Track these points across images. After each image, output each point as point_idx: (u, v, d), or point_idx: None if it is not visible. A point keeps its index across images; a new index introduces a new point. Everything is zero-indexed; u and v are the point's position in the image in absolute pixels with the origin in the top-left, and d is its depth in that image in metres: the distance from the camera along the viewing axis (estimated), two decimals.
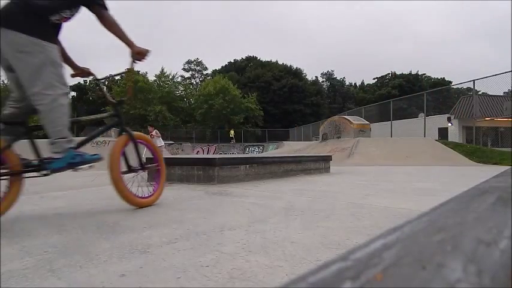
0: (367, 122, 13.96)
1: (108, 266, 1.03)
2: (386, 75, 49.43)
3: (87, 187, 3.47)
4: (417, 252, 0.29)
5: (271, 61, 47.47)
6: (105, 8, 1.99)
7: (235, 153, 26.04)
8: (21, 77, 1.69)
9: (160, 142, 10.42)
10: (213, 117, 34.07)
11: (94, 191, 3.04)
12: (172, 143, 25.70)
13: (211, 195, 2.66)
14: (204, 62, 49.19)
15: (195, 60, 48.46)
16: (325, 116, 34.07)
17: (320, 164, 5.32)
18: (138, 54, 2.11)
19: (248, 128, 35.30)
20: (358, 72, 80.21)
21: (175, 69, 75.49)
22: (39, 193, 2.96)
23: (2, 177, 1.68)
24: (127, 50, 2.13)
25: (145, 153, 2.47)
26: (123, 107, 1.98)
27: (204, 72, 48.86)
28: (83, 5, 1.95)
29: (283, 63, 46.36)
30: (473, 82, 12.47)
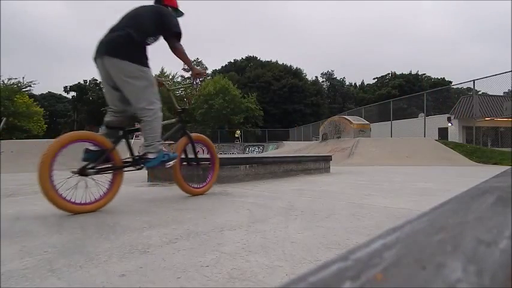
0: (367, 122, 13.96)
1: (108, 266, 1.03)
2: (386, 75, 49.43)
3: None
4: (417, 252, 0.29)
5: (271, 61, 47.49)
6: (179, 40, 2.44)
7: (235, 153, 26.03)
8: (129, 96, 2.14)
9: None
10: (213, 117, 34.06)
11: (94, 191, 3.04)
12: (172, 143, 25.66)
13: (211, 195, 2.67)
14: (204, 62, 49.25)
15: (195, 60, 48.45)
16: (325, 116, 34.08)
17: (320, 164, 5.32)
18: (198, 75, 2.74)
19: (248, 128, 35.30)
20: (358, 72, 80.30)
21: (176, 69, 75.50)
22: (39, 193, 2.96)
23: (109, 171, 2.18)
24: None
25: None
26: (185, 115, 2.79)
27: None
28: (163, 35, 2.38)
29: (283, 63, 46.38)
30: (473, 82, 12.47)
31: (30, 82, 25.85)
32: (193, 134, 2.81)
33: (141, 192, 2.91)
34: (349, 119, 13.94)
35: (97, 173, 2.11)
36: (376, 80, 51.05)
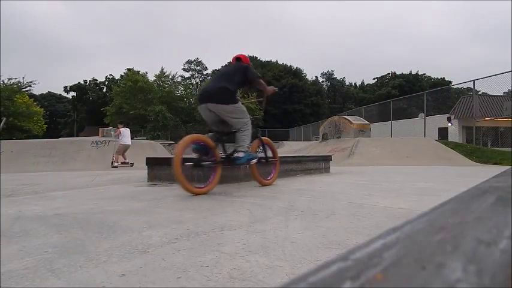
0: (367, 122, 13.96)
1: (108, 266, 1.03)
2: (386, 75, 49.42)
3: (87, 187, 3.47)
4: (417, 252, 0.29)
5: (271, 61, 47.47)
6: (260, 79, 3.40)
7: None
8: (231, 123, 3.14)
9: (124, 141, 9.44)
10: None
11: (94, 191, 3.04)
12: (172, 143, 25.68)
13: (211, 195, 2.67)
14: (204, 62, 49.23)
15: (195, 60, 48.47)
16: (325, 116, 34.07)
17: (320, 164, 5.32)
18: (271, 94, 3.55)
19: None
20: (358, 72, 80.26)
21: (175, 69, 75.56)
22: (39, 193, 2.96)
23: (212, 165, 2.98)
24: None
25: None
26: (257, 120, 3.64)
27: (204, 72, 48.86)
28: (248, 82, 3.34)
29: (283, 63, 46.36)
30: (473, 82, 12.47)
31: (30, 82, 25.85)
32: (263, 138, 3.62)
33: (141, 192, 2.91)
34: (349, 119, 13.93)
35: (206, 165, 2.94)
36: (376, 80, 51.04)
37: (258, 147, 3.52)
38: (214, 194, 2.75)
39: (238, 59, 3.63)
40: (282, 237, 1.36)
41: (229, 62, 3.63)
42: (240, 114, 3.13)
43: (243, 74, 3.29)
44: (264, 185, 3.40)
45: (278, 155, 3.88)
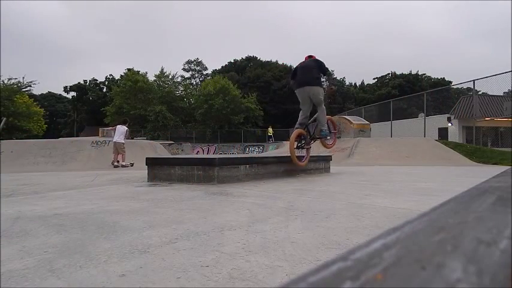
0: (367, 122, 13.96)
1: (108, 266, 1.03)
2: (386, 75, 49.39)
3: (87, 187, 3.47)
4: (417, 252, 0.29)
5: (271, 61, 47.44)
6: (325, 75, 4.82)
7: (235, 153, 26.03)
8: (316, 100, 4.59)
9: (114, 138, 8.98)
10: (213, 117, 34.03)
11: (94, 191, 3.04)
12: (172, 143, 25.70)
13: (211, 195, 2.67)
14: (204, 62, 49.20)
15: (195, 60, 48.44)
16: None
17: (320, 164, 5.32)
18: (332, 95, 5.89)
19: (248, 128, 35.27)
20: (358, 72, 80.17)
21: (175, 69, 75.55)
22: (39, 193, 2.96)
23: (307, 146, 4.76)
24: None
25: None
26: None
27: (204, 72, 48.86)
28: (323, 74, 4.71)
29: (283, 63, 46.34)
30: (473, 82, 12.46)
31: (30, 82, 25.87)
32: (328, 116, 4.93)
33: (141, 192, 2.91)
34: (349, 119, 13.93)
35: (303, 147, 4.75)
36: (376, 80, 51.01)
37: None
38: (214, 194, 2.75)
39: (310, 56, 4.80)
40: (282, 237, 1.36)
41: (302, 61, 4.86)
42: (322, 95, 4.62)
43: (320, 66, 4.61)
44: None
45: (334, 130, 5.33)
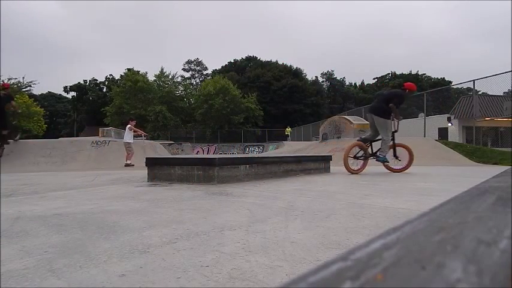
0: (367, 122, 13.94)
1: (108, 266, 1.03)
2: (386, 75, 49.45)
3: (87, 187, 3.47)
4: (417, 252, 0.29)
5: (271, 61, 47.43)
6: (397, 107, 5.19)
7: (235, 153, 26.04)
8: (380, 131, 5.19)
9: (124, 138, 8.93)
10: (213, 117, 34.04)
11: (94, 191, 3.04)
12: (172, 143, 25.70)
13: (211, 195, 2.67)
14: (204, 62, 49.22)
15: (195, 60, 48.48)
16: (325, 116, 34.03)
17: (320, 164, 5.32)
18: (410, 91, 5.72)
19: (248, 128, 35.27)
20: (358, 72, 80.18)
21: (175, 69, 75.52)
22: (39, 193, 2.96)
23: (364, 158, 5.28)
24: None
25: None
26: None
27: (204, 72, 48.88)
28: (394, 104, 5.17)
29: (283, 63, 46.33)
30: (473, 82, 12.45)
31: (30, 82, 25.84)
32: (397, 143, 5.45)
33: (141, 192, 2.91)
34: (349, 119, 13.91)
35: (362, 159, 5.26)
36: (376, 80, 51.05)
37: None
38: (214, 194, 2.75)
39: (406, 85, 5.65)
40: (282, 237, 1.36)
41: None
42: (385, 125, 5.08)
43: (390, 99, 5.14)
44: (392, 171, 5.34)
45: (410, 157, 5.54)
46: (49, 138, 12.66)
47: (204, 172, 3.54)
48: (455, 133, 17.32)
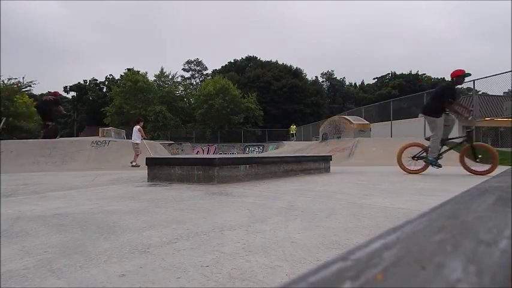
0: (367, 122, 13.94)
1: (108, 266, 1.03)
2: (386, 75, 49.42)
3: (87, 187, 3.47)
4: (417, 252, 0.29)
5: (271, 61, 47.42)
6: (450, 104, 4.76)
7: (235, 153, 26.04)
8: (430, 129, 5.03)
9: (133, 139, 9.02)
10: (213, 117, 34.04)
11: (94, 191, 3.04)
12: (172, 143, 25.70)
13: (211, 195, 2.67)
14: (204, 62, 49.22)
15: (195, 60, 48.47)
16: (325, 116, 34.02)
17: (320, 164, 5.32)
18: (460, 113, 5.08)
19: (248, 128, 35.28)
20: (358, 72, 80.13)
21: (175, 69, 75.53)
22: (39, 193, 2.96)
23: (424, 160, 5.12)
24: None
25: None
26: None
27: (204, 72, 48.88)
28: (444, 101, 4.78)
29: (283, 63, 46.31)
30: (473, 82, 12.46)
31: (30, 82, 25.81)
32: (476, 143, 4.99)
33: (141, 192, 2.91)
34: (349, 119, 13.91)
35: (419, 158, 5.09)
36: (376, 80, 51.04)
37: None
38: (214, 194, 2.75)
39: (455, 74, 4.92)
40: (282, 237, 1.36)
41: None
42: (433, 123, 4.86)
43: (440, 94, 4.83)
44: (474, 173, 4.93)
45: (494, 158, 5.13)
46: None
47: (204, 172, 3.54)
48: (455, 133, 17.31)
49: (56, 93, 10.71)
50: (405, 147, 5.26)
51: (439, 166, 5.04)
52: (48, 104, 9.74)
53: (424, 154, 5.13)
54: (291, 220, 1.69)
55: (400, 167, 5.12)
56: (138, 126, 9.14)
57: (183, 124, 36.38)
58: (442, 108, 4.80)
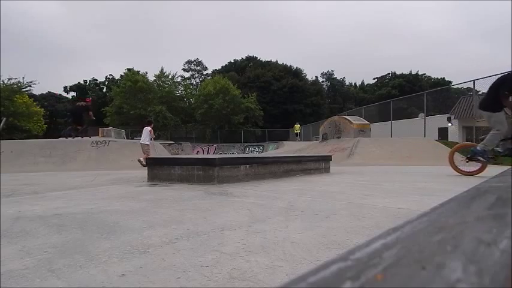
0: (367, 122, 13.94)
1: (108, 266, 1.03)
2: (386, 75, 49.42)
3: (87, 187, 3.47)
4: (417, 252, 0.29)
5: (271, 61, 47.42)
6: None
7: (235, 153, 26.05)
8: (490, 126, 4.21)
9: (143, 140, 9.35)
10: (213, 117, 34.04)
11: (94, 191, 3.04)
12: (172, 143, 25.70)
13: (211, 195, 2.66)
14: (204, 62, 49.21)
15: (195, 60, 48.46)
16: (325, 116, 34.03)
17: (320, 164, 5.32)
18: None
19: (248, 128, 35.28)
20: (358, 72, 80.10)
21: (175, 69, 75.50)
22: (39, 193, 2.96)
23: (482, 160, 4.35)
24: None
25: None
26: None
27: (204, 72, 48.87)
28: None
29: (283, 63, 46.30)
30: (473, 82, 12.46)
31: (30, 82, 25.84)
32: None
33: (141, 192, 2.91)
34: (349, 119, 13.92)
35: (474, 159, 4.47)
36: (376, 80, 51.04)
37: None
38: (214, 194, 2.75)
39: None
40: (282, 237, 1.36)
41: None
42: (490, 118, 4.19)
43: (497, 87, 4.10)
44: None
45: None
46: (49, 138, 12.67)
47: (204, 172, 3.54)
48: (455, 133, 17.33)
49: (88, 100, 11.38)
50: (458, 148, 5.06)
51: (488, 160, 4.38)
52: (80, 110, 10.48)
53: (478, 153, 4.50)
54: (291, 220, 1.69)
55: (453, 168, 4.82)
56: (149, 128, 9.17)
57: (183, 124, 36.38)
58: (500, 102, 4.03)
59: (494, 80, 4.33)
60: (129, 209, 2.06)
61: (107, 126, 25.09)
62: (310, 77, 49.56)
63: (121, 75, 38.53)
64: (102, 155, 9.36)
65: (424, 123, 14.40)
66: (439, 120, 17.54)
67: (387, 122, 17.33)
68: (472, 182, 2.55)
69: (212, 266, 1.02)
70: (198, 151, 27.73)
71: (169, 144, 24.14)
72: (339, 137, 13.35)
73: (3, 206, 2.20)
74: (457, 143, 11.85)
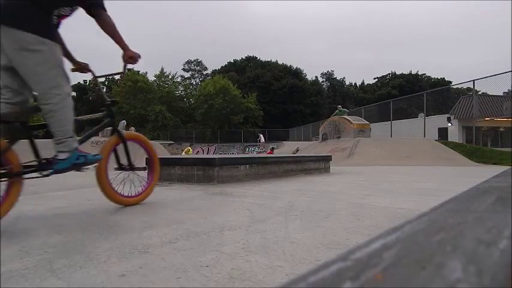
0: (367, 122, 13.94)
1: (108, 266, 1.03)
2: (386, 75, 49.43)
3: (87, 187, 3.47)
4: (417, 252, 0.29)
5: (271, 61, 47.43)
6: (103, 9, 2.02)
7: (235, 153, 26.05)
8: (26, 76, 1.64)
9: None
10: (213, 117, 34.06)
11: (94, 191, 3.04)
12: (172, 143, 25.72)
13: (211, 195, 2.66)
14: (204, 62, 49.21)
15: (195, 60, 48.46)
16: (325, 116, 34.05)
17: (320, 164, 5.32)
18: (130, 59, 2.10)
19: (248, 128, 35.28)
20: (358, 72, 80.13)
21: (175, 69, 75.44)
22: (39, 193, 2.96)
23: (1, 179, 1.63)
24: (121, 50, 2.13)
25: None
26: (114, 108, 2.38)
27: (204, 72, 48.87)
28: (80, 5, 1.94)
29: (283, 63, 46.31)
30: (473, 82, 12.46)
31: None
32: (127, 133, 2.43)
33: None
34: (349, 119, 13.91)
35: None
36: (376, 80, 51.06)
37: (116, 146, 2.46)
38: (214, 194, 2.75)
39: None
40: (282, 237, 1.36)
41: None
42: (45, 57, 1.79)
43: None
44: (125, 204, 2.21)
45: (157, 157, 2.84)
46: (49, 138, 12.64)
47: (204, 172, 3.54)
48: (455, 133, 17.33)
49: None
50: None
51: (93, 161, 2.70)
52: None
53: None
54: (291, 220, 1.69)
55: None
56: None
57: (183, 124, 36.38)
58: None
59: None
60: (129, 209, 2.06)
61: None
62: (310, 77, 49.59)
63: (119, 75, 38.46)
64: None
65: (424, 123, 14.40)
66: (438, 120, 17.55)
67: (387, 122, 17.34)
68: (472, 182, 2.55)
69: (212, 266, 1.02)
70: (198, 151, 27.74)
71: (169, 144, 24.16)
72: (338, 137, 13.35)
73: None
74: (459, 143, 11.90)
